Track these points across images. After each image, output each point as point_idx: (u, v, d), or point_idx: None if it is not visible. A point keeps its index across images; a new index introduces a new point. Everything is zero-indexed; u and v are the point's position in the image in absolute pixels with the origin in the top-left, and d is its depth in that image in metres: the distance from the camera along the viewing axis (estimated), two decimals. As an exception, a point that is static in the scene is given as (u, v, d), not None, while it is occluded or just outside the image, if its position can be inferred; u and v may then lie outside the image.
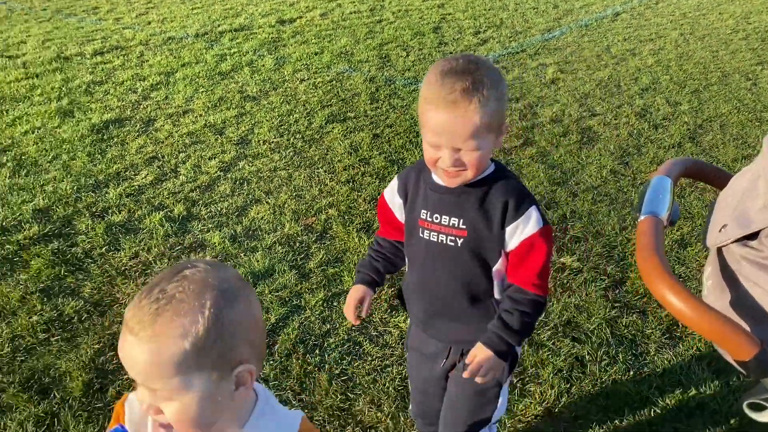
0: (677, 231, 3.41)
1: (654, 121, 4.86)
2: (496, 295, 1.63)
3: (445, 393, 1.84)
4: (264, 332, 1.13)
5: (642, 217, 1.24)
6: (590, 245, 3.33)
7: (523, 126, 4.75)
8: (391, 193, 1.69)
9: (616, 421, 2.30)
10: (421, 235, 1.60)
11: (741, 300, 1.15)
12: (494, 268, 1.57)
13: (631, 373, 2.52)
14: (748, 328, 1.09)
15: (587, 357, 2.59)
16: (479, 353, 1.55)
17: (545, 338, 2.69)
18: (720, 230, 1.20)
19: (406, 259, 1.73)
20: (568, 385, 2.46)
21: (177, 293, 0.96)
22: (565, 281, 3.05)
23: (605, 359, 2.58)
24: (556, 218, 3.56)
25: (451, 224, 1.54)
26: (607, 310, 2.85)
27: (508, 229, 1.50)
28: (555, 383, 2.46)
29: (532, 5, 8.68)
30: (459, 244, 1.54)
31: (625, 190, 3.87)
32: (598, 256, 3.25)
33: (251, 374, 1.04)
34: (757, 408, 1.11)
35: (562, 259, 3.21)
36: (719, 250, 1.23)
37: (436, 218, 1.56)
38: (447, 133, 1.37)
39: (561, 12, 8.33)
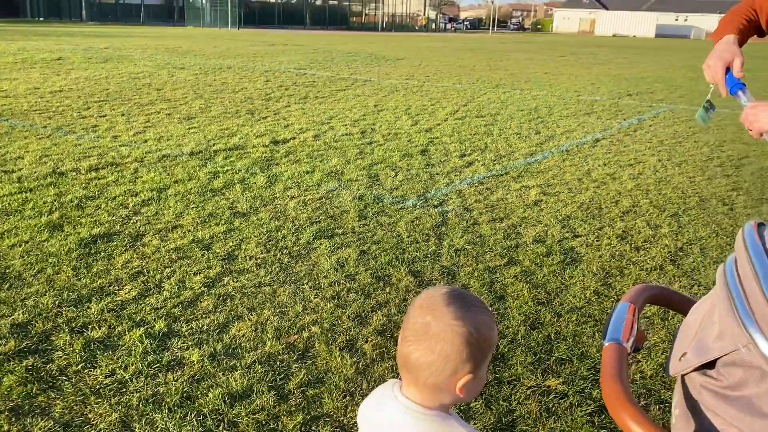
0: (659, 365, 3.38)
1: (635, 243, 4.95)
2: None
3: None
4: None
5: (606, 344, 1.24)
6: (576, 367, 3.29)
7: (507, 245, 4.82)
8: None
9: None
10: None
11: (705, 430, 1.13)
12: None
13: (621, 506, 2.41)
14: None
15: (574, 488, 2.48)
16: None
17: (531, 467, 2.59)
18: (680, 359, 1.20)
19: None
20: None
21: None
22: (550, 405, 2.98)
23: (593, 490, 2.47)
24: (540, 339, 3.53)
25: None
26: (594, 436, 2.77)
27: None
28: None
29: (515, 131, 9.09)
30: None
31: (609, 311, 3.87)
32: (583, 379, 3.20)
33: None
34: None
35: (547, 382, 3.15)
36: (683, 379, 1.23)
37: None
38: None
39: (543, 137, 8.71)
